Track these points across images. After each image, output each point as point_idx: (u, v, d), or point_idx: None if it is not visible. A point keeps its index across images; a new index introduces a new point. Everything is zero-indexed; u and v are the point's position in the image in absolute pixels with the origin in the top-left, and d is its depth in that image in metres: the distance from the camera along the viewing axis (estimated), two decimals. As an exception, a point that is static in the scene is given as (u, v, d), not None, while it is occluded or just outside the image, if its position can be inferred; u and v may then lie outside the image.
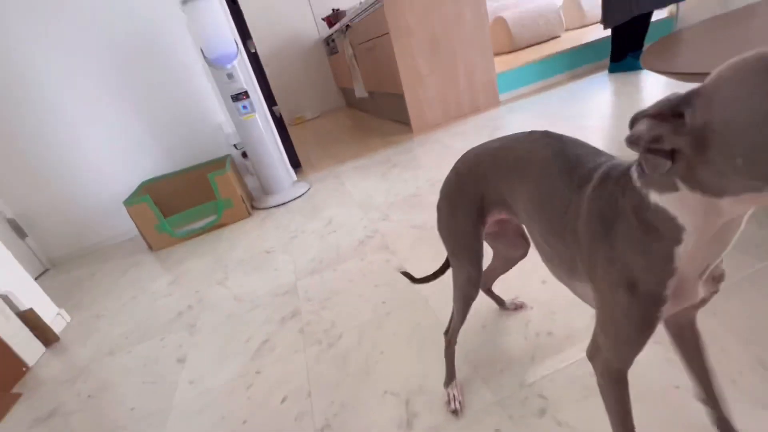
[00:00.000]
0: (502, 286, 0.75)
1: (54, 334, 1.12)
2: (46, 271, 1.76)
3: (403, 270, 0.70)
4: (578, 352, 0.61)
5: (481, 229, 0.51)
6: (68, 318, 1.23)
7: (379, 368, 0.70)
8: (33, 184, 1.69)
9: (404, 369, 0.68)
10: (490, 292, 0.75)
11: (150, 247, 1.61)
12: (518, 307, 0.74)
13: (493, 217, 0.50)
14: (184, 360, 0.88)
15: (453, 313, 0.60)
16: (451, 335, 0.61)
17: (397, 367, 0.69)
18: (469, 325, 0.73)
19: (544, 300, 0.74)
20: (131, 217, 1.52)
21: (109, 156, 1.75)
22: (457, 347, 0.70)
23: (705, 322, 0.60)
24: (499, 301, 0.75)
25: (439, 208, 0.54)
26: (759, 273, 0.66)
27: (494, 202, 0.48)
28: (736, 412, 0.48)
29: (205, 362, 0.85)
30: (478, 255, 0.52)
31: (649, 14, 1.96)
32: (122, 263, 1.57)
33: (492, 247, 0.65)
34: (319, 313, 0.90)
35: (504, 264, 0.67)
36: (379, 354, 0.73)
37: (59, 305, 1.23)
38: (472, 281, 0.54)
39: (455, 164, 0.53)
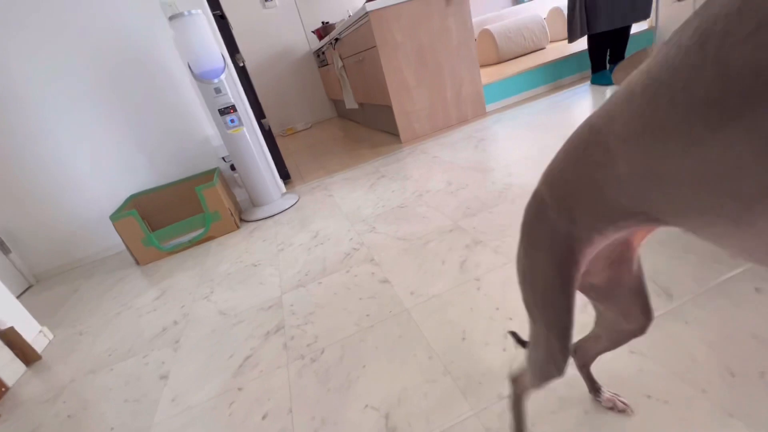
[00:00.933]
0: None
1: (35, 352, 1.10)
2: (29, 287, 1.74)
3: (511, 330, 0.59)
4: (555, 363, 0.62)
5: (570, 277, 0.32)
6: (51, 336, 1.21)
7: (360, 382, 0.70)
8: (18, 199, 1.67)
9: (385, 383, 0.69)
10: (584, 370, 0.54)
11: (137, 262, 1.60)
12: (616, 406, 0.53)
13: (595, 247, 0.31)
14: (166, 377, 0.88)
15: (526, 367, 0.44)
16: (519, 391, 0.48)
17: (378, 381, 0.69)
18: (449, 336, 0.74)
19: (524, 312, 0.75)
20: (118, 231, 1.51)
21: (96, 170, 1.74)
22: (436, 359, 0.70)
23: (676, 329, 0.61)
24: (595, 387, 0.54)
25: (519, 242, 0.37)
26: (729, 281, 0.67)
27: (602, 217, 0.28)
28: (706, 420, 0.49)
29: (188, 379, 0.85)
30: (564, 320, 0.34)
31: (625, 27, 2.03)
32: (108, 278, 1.56)
33: (594, 307, 0.45)
34: (303, 328, 0.90)
35: (609, 336, 0.45)
36: (361, 368, 0.73)
37: (42, 322, 1.21)
38: (553, 357, 0.36)
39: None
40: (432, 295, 0.88)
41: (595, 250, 0.32)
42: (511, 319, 0.74)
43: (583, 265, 0.32)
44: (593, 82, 2.25)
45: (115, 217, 1.50)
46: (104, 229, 1.80)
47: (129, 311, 1.24)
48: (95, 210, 1.78)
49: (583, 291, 0.40)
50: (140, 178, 1.81)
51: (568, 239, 0.31)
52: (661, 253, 0.79)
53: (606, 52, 2.15)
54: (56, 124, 1.64)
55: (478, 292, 0.84)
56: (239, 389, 0.77)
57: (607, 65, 2.19)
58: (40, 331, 1.18)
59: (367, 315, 0.88)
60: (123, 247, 1.83)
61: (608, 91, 2.05)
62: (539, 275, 0.34)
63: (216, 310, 1.09)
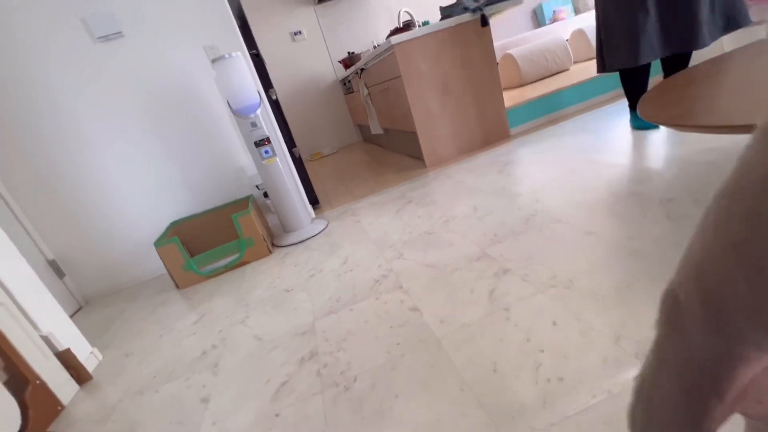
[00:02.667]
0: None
1: (87, 373, 1.18)
2: (79, 309, 1.86)
3: None
4: (588, 398, 0.62)
5: (706, 413, 0.24)
6: (100, 356, 1.30)
7: (393, 412, 0.72)
8: (71, 226, 1.82)
9: (418, 413, 0.70)
10: None
11: (177, 286, 1.69)
12: None
13: (753, 368, 0.23)
14: (207, 400, 0.92)
15: None
16: None
17: (412, 411, 0.71)
18: (480, 367, 0.75)
19: (555, 343, 0.75)
20: (161, 257, 1.61)
21: (140, 199, 1.88)
22: (468, 391, 0.71)
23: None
24: None
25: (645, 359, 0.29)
26: None
27: None
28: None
29: (227, 403, 0.89)
30: None
31: (679, 57, 1.59)
32: (151, 302, 1.65)
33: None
34: (336, 355, 0.93)
35: None
36: (394, 397, 0.75)
37: (92, 343, 1.30)
38: None
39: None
40: (462, 324, 0.89)
41: (752, 372, 0.22)
42: (542, 351, 0.74)
43: (731, 396, 0.23)
44: (633, 125, 1.79)
45: (159, 243, 1.60)
46: (147, 254, 1.92)
47: (170, 334, 1.31)
48: (140, 236, 1.90)
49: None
50: (181, 205, 1.94)
51: (712, 358, 0.23)
52: None
53: (646, 82, 1.69)
54: (106, 157, 1.79)
55: (507, 322, 0.85)
56: (276, 415, 0.80)
57: None
58: (91, 353, 1.27)
59: (398, 343, 0.90)
60: (164, 270, 1.94)
61: (653, 134, 1.63)
62: (659, 407, 0.26)
63: (252, 335, 1.14)
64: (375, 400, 0.76)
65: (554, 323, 0.80)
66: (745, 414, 0.27)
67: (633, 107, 1.75)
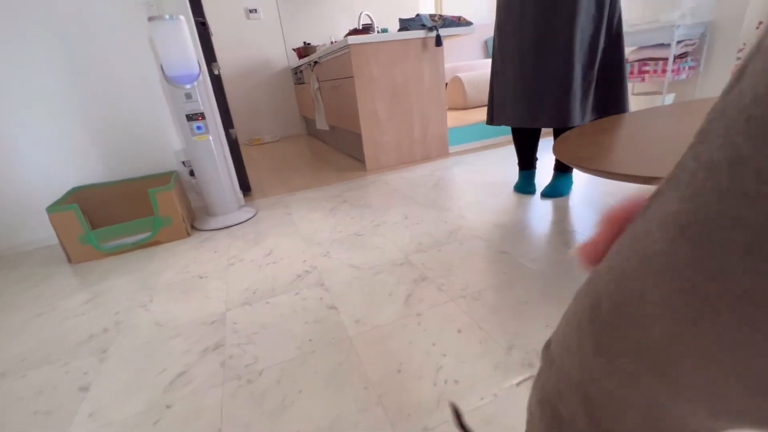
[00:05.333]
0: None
1: (-69, 350, 0.99)
2: (-66, 274, 1.55)
3: (453, 404, 0.64)
4: (477, 400, 0.68)
5: None
6: (-47, 332, 1.09)
7: (294, 407, 0.71)
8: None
9: (319, 409, 0.70)
10: None
11: (68, 259, 1.49)
12: None
13: None
14: (87, 389, 0.83)
15: None
16: None
17: (313, 408, 0.71)
18: (386, 367, 0.78)
19: (457, 349, 0.81)
20: (53, 224, 1.41)
21: (38, 155, 1.63)
22: (371, 389, 0.73)
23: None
24: None
25: None
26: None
27: None
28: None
29: (112, 393, 0.81)
30: None
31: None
32: (33, 274, 1.44)
33: None
34: (244, 347, 0.89)
35: None
36: (297, 393, 0.75)
37: (-55, 317, 1.09)
38: None
39: None
40: (375, 325, 0.91)
41: None
42: (445, 355, 0.80)
43: None
44: (515, 188, 1.67)
45: (53, 209, 1.40)
46: (36, 219, 1.66)
47: (53, 313, 1.15)
48: (30, 198, 1.65)
49: None
50: (89, 171, 1.72)
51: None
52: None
53: (535, 145, 1.58)
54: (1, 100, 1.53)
55: (418, 326, 0.89)
56: (167, 407, 0.75)
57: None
58: (-59, 327, 1.06)
59: (310, 340, 0.89)
60: (55, 241, 1.70)
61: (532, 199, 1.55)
62: None
63: (153, 321, 1.04)
64: (278, 394, 0.75)
65: (459, 330, 0.86)
66: None
67: (519, 166, 1.65)
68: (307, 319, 0.97)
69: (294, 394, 0.74)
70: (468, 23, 2.33)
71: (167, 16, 1.42)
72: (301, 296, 1.07)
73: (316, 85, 2.89)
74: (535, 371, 0.72)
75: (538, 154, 1.66)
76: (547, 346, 0.28)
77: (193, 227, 1.71)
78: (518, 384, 0.70)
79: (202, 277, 1.25)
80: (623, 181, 0.79)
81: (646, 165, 0.81)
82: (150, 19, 1.42)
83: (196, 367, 0.85)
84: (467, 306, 0.94)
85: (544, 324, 0.85)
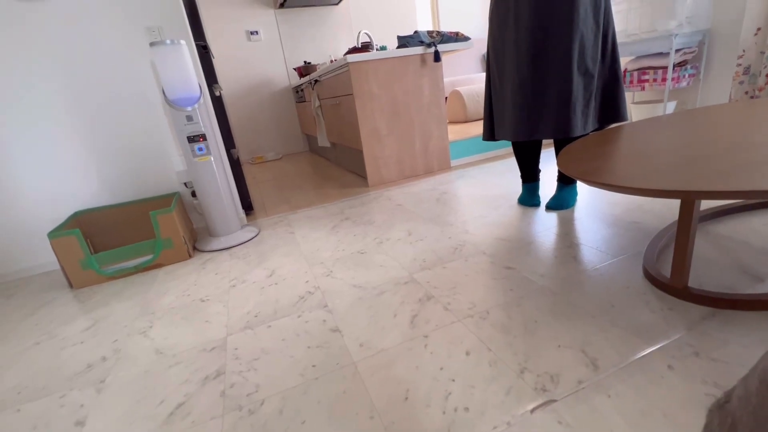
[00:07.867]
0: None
1: (-73, 384, 0.96)
2: (-65, 302, 1.54)
3: None
4: (489, 428, 0.64)
5: None
6: (-50, 364, 1.07)
7: (297, 440, 0.68)
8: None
9: (323, 442, 0.67)
10: None
11: (70, 285, 1.48)
12: None
13: None
14: (83, 423, 0.80)
15: None
16: None
17: (316, 440, 0.68)
18: (393, 394, 0.74)
19: (466, 373, 0.77)
20: (54, 250, 1.40)
21: (40, 180, 1.63)
22: (377, 419, 0.70)
23: (600, 401, 0.66)
24: None
25: None
26: (646, 357, 0.74)
27: None
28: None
29: (108, 427, 0.78)
30: None
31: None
32: (32, 301, 1.42)
33: None
34: (245, 375, 0.86)
35: None
36: (300, 424, 0.71)
37: (-58, 348, 1.07)
38: None
39: None
40: (380, 349, 0.88)
41: None
42: (453, 380, 0.76)
43: None
44: (519, 201, 1.67)
45: (54, 234, 1.40)
46: (37, 245, 1.66)
47: (51, 341, 1.13)
48: (32, 223, 1.65)
49: None
50: (90, 195, 1.72)
51: None
52: (592, 324, 0.86)
53: (536, 157, 1.58)
54: (4, 125, 1.54)
55: (425, 349, 0.86)
56: (165, 442, 0.72)
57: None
58: (-62, 359, 1.04)
59: (314, 366, 0.86)
60: (56, 266, 1.69)
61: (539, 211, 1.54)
62: None
63: (152, 348, 1.02)
64: (280, 426, 0.71)
65: (467, 353, 0.83)
66: None
67: (522, 179, 1.65)
68: (310, 343, 0.94)
69: (297, 425, 0.71)
70: (466, 38, 2.35)
71: (168, 41, 1.44)
72: (303, 319, 1.04)
73: (317, 103, 2.92)
74: (549, 396, 0.69)
75: (541, 166, 1.64)
76: (721, 405, 0.25)
77: (195, 248, 1.70)
78: (532, 411, 0.67)
79: (203, 301, 1.23)
80: (631, 194, 0.77)
81: (654, 178, 0.79)
82: (152, 44, 1.44)
83: (196, 398, 0.82)
84: (475, 326, 0.91)
85: (555, 344, 0.82)
